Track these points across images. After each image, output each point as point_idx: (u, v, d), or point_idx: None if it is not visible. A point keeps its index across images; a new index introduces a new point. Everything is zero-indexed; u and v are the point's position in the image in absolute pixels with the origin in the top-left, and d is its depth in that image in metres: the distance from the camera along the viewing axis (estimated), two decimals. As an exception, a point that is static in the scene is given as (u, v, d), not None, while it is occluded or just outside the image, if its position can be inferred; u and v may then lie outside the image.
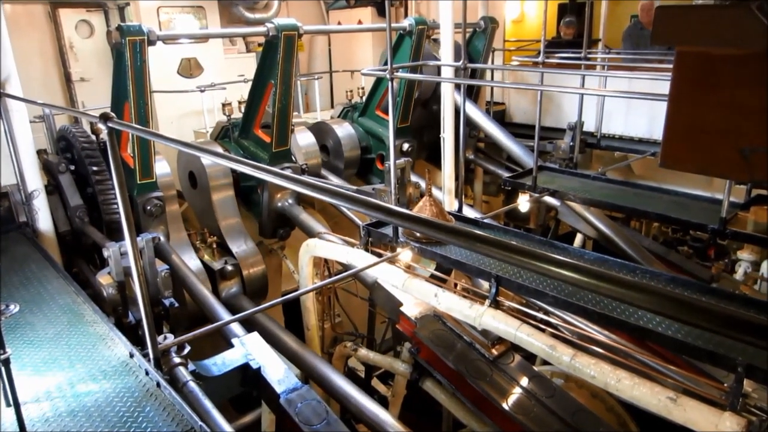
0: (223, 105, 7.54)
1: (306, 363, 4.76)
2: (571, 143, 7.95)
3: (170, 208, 6.37)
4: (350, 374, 5.83)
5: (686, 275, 6.32)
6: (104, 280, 4.28)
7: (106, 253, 4.25)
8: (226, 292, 6.28)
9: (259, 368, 3.63)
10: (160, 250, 5.39)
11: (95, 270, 5.11)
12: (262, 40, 6.44)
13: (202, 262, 6.30)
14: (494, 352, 4.22)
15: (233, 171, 6.80)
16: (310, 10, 13.63)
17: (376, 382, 6.30)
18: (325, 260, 5.86)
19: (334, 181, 7.96)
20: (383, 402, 5.32)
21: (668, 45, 4.81)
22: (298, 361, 4.85)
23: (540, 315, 3.94)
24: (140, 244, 4.28)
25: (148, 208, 5.98)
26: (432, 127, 9.03)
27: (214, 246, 6.46)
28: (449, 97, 6.27)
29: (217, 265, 6.22)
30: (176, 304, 4.53)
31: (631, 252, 6.36)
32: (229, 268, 6.24)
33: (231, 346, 3.87)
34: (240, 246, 6.58)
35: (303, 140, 8.00)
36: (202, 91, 9.61)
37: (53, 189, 5.98)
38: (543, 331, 3.62)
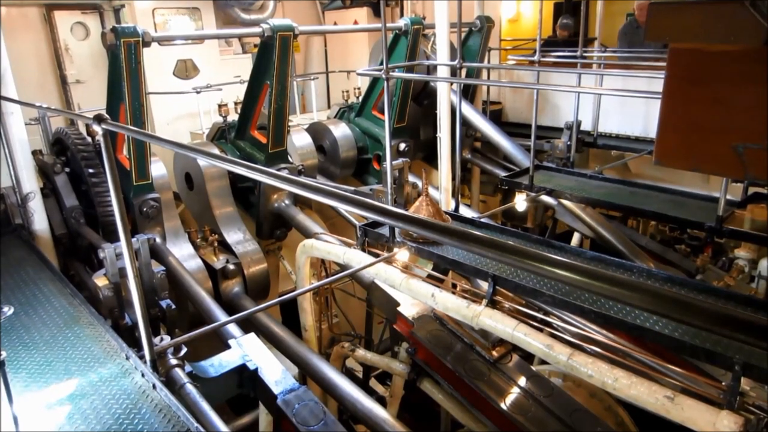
0: (219, 106, 7.52)
1: (305, 362, 4.75)
2: (568, 142, 7.96)
3: (167, 209, 6.35)
4: (348, 375, 5.81)
5: (683, 274, 6.33)
6: (100, 281, 4.27)
7: (101, 255, 4.24)
8: (228, 291, 6.26)
9: (257, 369, 3.62)
10: (157, 251, 5.38)
11: (92, 272, 5.09)
12: (258, 40, 6.43)
13: (204, 261, 6.29)
14: (495, 354, 4.21)
15: (230, 172, 6.79)
16: (305, 10, 13.61)
17: (374, 383, 6.28)
18: (322, 261, 5.85)
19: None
20: (381, 402, 5.32)
21: (661, 41, 4.81)
22: (298, 360, 4.85)
23: (537, 314, 3.93)
24: (135, 246, 4.27)
25: (144, 209, 5.96)
26: (427, 126, 9.05)
27: (216, 244, 6.44)
28: (445, 97, 6.26)
29: (218, 264, 6.20)
30: (173, 306, 4.52)
31: (628, 251, 6.36)
32: (231, 267, 6.22)
33: (228, 347, 3.86)
34: (241, 245, 6.57)
35: (299, 141, 7.99)
36: (197, 92, 9.60)
37: (49, 192, 5.97)
38: (540, 330, 3.61)
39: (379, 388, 6.15)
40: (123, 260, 3.55)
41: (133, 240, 4.13)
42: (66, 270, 5.90)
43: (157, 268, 4.54)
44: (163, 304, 4.50)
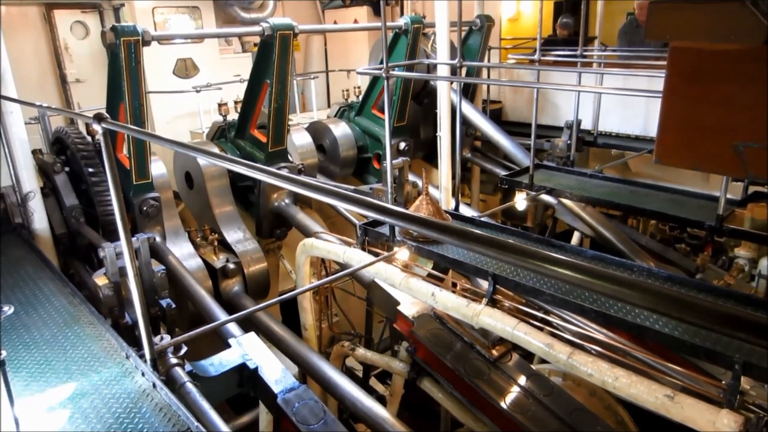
0: (219, 105, 7.52)
1: (305, 361, 4.75)
2: (568, 141, 7.95)
3: (167, 208, 6.35)
4: (348, 374, 5.81)
5: (683, 273, 6.33)
6: (100, 280, 4.27)
7: (101, 254, 4.24)
8: (228, 291, 6.26)
9: (257, 368, 3.62)
10: (157, 250, 5.37)
11: (91, 271, 5.09)
12: (258, 39, 6.43)
13: (204, 260, 6.28)
14: (494, 353, 4.21)
15: (230, 171, 6.79)
16: (305, 9, 13.60)
17: (374, 382, 6.28)
18: (322, 260, 5.85)
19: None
20: (381, 401, 5.32)
21: (662, 40, 4.82)
22: (297, 359, 4.85)
23: (538, 313, 3.93)
24: (135, 245, 4.27)
25: (144, 208, 5.96)
26: (428, 125, 9.04)
27: (215, 243, 6.44)
28: (445, 96, 6.26)
29: (218, 263, 6.20)
30: (173, 305, 4.52)
31: (628, 250, 6.36)
32: (231, 266, 6.21)
33: (228, 346, 3.86)
34: (241, 244, 6.57)
35: (299, 140, 7.99)
36: (197, 91, 9.59)
37: (49, 191, 5.96)
38: (541, 329, 3.61)
39: (379, 387, 6.15)
40: (123, 259, 3.55)
41: (133, 239, 4.13)
42: (66, 269, 5.90)
43: (157, 267, 4.54)
44: (163, 303, 4.50)
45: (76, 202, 5.93)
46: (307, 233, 6.29)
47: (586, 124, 8.61)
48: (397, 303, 4.71)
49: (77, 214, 5.86)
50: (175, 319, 4.63)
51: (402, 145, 8.34)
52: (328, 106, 12.57)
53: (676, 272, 5.85)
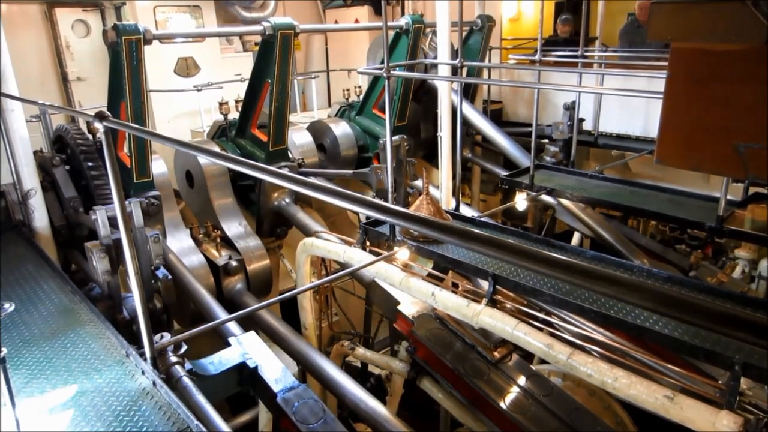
0: (220, 104, 7.53)
1: (305, 359, 4.75)
2: (569, 122, 7.92)
3: (168, 206, 6.35)
4: (347, 366, 5.81)
5: (678, 271, 6.33)
6: (92, 245, 4.29)
7: (92, 216, 4.23)
8: (231, 288, 6.25)
9: (256, 367, 3.62)
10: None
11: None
12: (259, 39, 6.43)
13: (206, 257, 6.28)
14: (496, 354, 4.21)
15: (230, 170, 6.79)
16: (306, 9, 13.62)
17: (372, 367, 6.21)
18: (323, 259, 5.85)
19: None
20: (380, 385, 5.31)
21: (663, 40, 4.81)
22: (298, 357, 4.85)
23: (537, 314, 3.93)
24: (128, 209, 4.19)
25: (145, 206, 5.96)
26: (428, 124, 9.05)
27: (218, 240, 6.43)
28: (446, 96, 6.25)
29: (221, 260, 6.20)
30: (169, 276, 4.54)
31: (628, 251, 6.36)
32: (234, 263, 6.20)
33: (228, 345, 3.87)
34: (243, 241, 6.57)
35: (300, 139, 7.99)
36: (198, 90, 9.61)
37: (48, 186, 5.94)
38: (540, 329, 3.61)
39: (376, 369, 6.08)
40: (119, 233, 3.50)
41: (126, 202, 4.10)
42: (66, 265, 5.89)
43: (150, 232, 4.52)
44: (159, 274, 4.52)
45: (75, 193, 5.90)
46: (307, 232, 6.30)
47: (587, 124, 8.62)
48: (397, 303, 4.71)
49: (76, 204, 5.83)
50: (171, 292, 4.62)
51: (402, 144, 8.33)
52: (329, 105, 12.58)
53: (674, 272, 5.86)
